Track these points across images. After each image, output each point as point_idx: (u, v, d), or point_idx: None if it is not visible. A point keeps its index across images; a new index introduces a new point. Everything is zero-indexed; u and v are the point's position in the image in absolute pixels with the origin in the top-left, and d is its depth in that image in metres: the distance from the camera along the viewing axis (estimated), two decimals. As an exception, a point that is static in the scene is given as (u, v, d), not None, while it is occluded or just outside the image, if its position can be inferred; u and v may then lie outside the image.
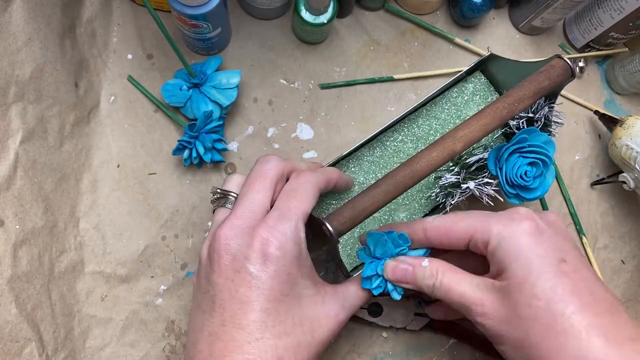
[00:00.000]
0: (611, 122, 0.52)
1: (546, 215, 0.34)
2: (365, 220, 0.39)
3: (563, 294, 0.29)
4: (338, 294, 0.36)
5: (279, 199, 0.35)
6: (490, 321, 0.32)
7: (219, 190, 0.39)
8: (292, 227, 0.33)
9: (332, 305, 0.35)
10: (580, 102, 0.56)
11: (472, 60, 0.53)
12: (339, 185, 0.40)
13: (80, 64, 0.47)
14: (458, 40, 0.54)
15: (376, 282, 0.37)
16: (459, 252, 0.37)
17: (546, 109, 0.42)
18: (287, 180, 0.37)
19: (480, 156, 0.42)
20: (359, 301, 0.37)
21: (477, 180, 0.42)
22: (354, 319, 0.48)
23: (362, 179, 0.47)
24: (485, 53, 0.48)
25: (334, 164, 0.46)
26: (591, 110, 0.56)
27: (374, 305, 0.48)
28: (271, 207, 0.35)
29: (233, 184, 0.38)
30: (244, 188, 0.35)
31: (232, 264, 0.32)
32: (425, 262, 0.36)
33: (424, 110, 0.49)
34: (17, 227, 0.39)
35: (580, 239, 0.54)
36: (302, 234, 0.34)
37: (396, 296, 0.37)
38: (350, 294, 0.37)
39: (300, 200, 0.34)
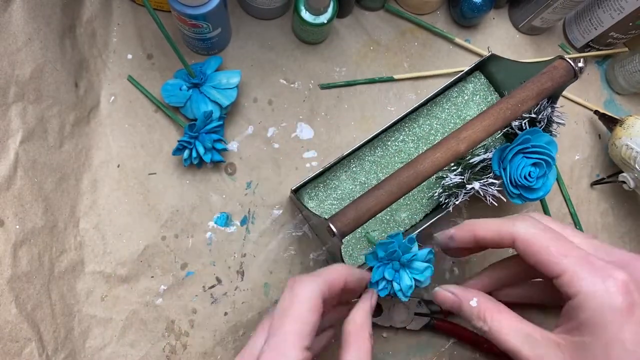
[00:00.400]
0: (611, 122, 0.52)
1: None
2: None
3: None
4: None
5: (272, 323, 0.30)
6: None
7: None
8: (289, 356, 0.28)
9: None
10: (580, 102, 0.56)
11: (472, 60, 0.53)
12: (349, 284, 0.34)
13: (80, 64, 0.47)
14: (458, 40, 0.54)
15: (382, 285, 0.37)
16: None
17: (549, 109, 0.42)
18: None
19: (484, 157, 0.42)
20: None
21: (481, 181, 0.42)
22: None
23: (363, 178, 0.47)
24: (485, 53, 0.48)
25: (335, 164, 0.46)
26: (591, 110, 0.56)
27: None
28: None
29: None
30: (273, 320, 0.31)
31: None
32: (474, 301, 0.33)
33: (425, 110, 0.49)
34: (17, 227, 0.39)
35: (580, 239, 0.54)
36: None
37: (403, 298, 0.37)
38: None
39: (295, 319, 0.29)
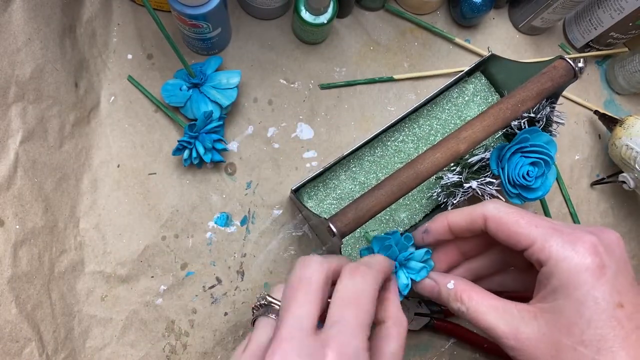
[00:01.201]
0: (611, 122, 0.52)
1: (608, 237, 0.30)
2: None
3: (612, 345, 0.27)
4: None
5: (334, 308, 0.28)
6: (523, 355, 0.29)
7: (265, 296, 0.32)
8: (357, 348, 0.26)
9: None
10: (580, 102, 0.56)
11: (472, 60, 0.53)
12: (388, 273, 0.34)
13: (80, 64, 0.47)
14: (458, 40, 0.54)
15: None
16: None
17: (548, 109, 0.42)
18: (334, 283, 0.31)
19: (482, 156, 0.42)
20: None
21: (479, 180, 0.42)
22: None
23: (363, 178, 0.47)
24: (485, 53, 0.48)
25: (335, 164, 0.46)
26: (591, 110, 0.56)
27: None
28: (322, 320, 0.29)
29: (281, 293, 0.31)
30: (285, 300, 0.29)
31: None
32: (451, 283, 0.34)
33: (425, 110, 0.49)
34: (17, 227, 0.39)
35: (580, 239, 0.54)
36: (368, 351, 0.27)
37: (399, 297, 0.36)
38: None
39: (360, 310, 0.28)
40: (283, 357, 0.26)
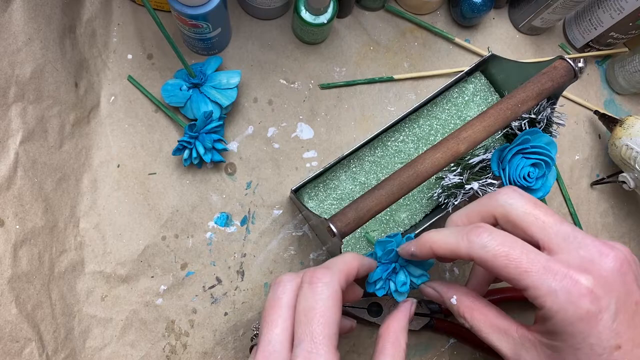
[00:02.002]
0: (611, 122, 0.52)
1: (608, 267, 0.28)
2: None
3: None
4: None
5: (297, 326, 0.28)
6: None
7: (257, 325, 0.34)
8: None
9: None
10: (580, 102, 0.56)
11: (472, 60, 0.53)
12: (360, 273, 0.33)
13: (80, 64, 0.47)
14: (458, 40, 0.54)
15: (379, 285, 0.37)
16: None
17: (548, 110, 0.42)
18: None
19: (484, 157, 0.42)
20: None
21: (480, 181, 0.42)
22: (354, 318, 0.48)
23: (363, 178, 0.47)
24: (485, 53, 0.48)
25: (335, 164, 0.46)
26: (591, 110, 0.56)
27: (374, 305, 0.48)
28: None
29: None
30: (261, 323, 0.30)
31: None
32: (454, 299, 0.33)
33: (425, 111, 0.49)
34: (17, 227, 0.39)
35: (580, 239, 0.54)
36: None
37: (399, 298, 0.37)
38: None
39: (321, 318, 0.28)
40: None
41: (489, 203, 0.32)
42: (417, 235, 0.37)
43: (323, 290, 0.29)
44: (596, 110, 0.55)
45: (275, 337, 0.28)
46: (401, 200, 0.47)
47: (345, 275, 0.31)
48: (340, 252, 0.39)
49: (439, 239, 0.32)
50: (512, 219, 0.31)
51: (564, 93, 0.55)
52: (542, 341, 0.29)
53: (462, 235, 0.30)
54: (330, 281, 0.29)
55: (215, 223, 0.48)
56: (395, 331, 0.33)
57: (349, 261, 0.32)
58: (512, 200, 0.31)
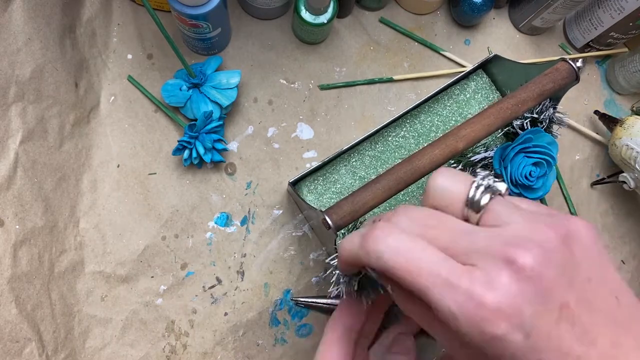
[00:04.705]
0: (611, 122, 0.52)
1: (524, 262, 0.23)
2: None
3: None
4: None
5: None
6: None
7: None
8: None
9: None
10: (586, 132, 0.56)
11: (473, 60, 0.53)
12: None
13: (80, 64, 0.47)
14: (447, 53, 0.54)
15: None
16: None
17: (551, 110, 0.43)
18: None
19: (485, 155, 0.42)
20: None
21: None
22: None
23: (363, 173, 0.47)
24: (469, 65, 0.48)
25: (335, 158, 0.46)
26: (594, 138, 0.56)
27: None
28: None
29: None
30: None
31: None
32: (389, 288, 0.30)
33: (426, 107, 0.49)
34: (17, 227, 0.39)
35: (581, 239, 0.54)
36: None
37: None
38: None
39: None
40: None
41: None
42: None
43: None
44: (596, 110, 0.54)
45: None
46: (400, 195, 0.47)
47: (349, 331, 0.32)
48: (335, 245, 0.39)
49: (345, 243, 0.27)
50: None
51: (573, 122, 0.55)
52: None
53: (359, 240, 0.26)
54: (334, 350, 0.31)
55: (215, 223, 0.48)
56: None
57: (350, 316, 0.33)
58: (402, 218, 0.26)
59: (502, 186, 0.26)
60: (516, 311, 0.22)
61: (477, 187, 0.25)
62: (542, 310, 0.23)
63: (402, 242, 0.24)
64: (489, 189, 0.25)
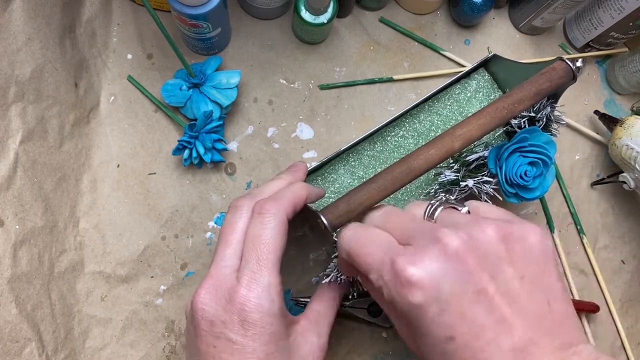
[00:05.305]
0: (611, 122, 0.52)
1: (450, 249, 0.26)
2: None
3: None
4: (311, 322, 0.36)
5: (245, 249, 0.32)
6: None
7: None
8: (264, 283, 0.31)
9: (312, 338, 0.35)
10: (585, 130, 0.56)
11: (473, 60, 0.53)
12: (309, 200, 0.37)
13: (80, 64, 0.47)
14: (447, 53, 0.54)
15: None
16: None
17: (548, 108, 0.42)
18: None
19: (481, 154, 0.42)
20: (330, 317, 0.38)
21: (476, 179, 0.42)
22: (354, 319, 0.48)
23: (361, 173, 0.47)
24: (468, 64, 0.48)
25: (334, 158, 0.46)
26: (595, 138, 0.56)
27: (374, 305, 0.48)
28: None
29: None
30: (217, 242, 0.34)
31: (211, 330, 0.31)
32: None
33: (426, 106, 0.49)
34: (17, 227, 0.39)
35: (581, 239, 0.54)
36: (277, 284, 0.31)
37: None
38: (320, 315, 0.37)
39: (266, 245, 0.32)
40: (206, 291, 0.32)
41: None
42: None
43: (270, 221, 0.32)
44: (596, 110, 0.54)
45: (227, 255, 0.33)
46: (399, 195, 0.47)
47: (292, 205, 0.34)
48: (332, 244, 0.39)
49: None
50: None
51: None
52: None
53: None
54: (277, 212, 0.33)
55: (215, 223, 0.48)
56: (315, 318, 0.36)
57: (297, 190, 0.35)
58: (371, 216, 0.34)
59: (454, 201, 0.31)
60: (433, 285, 0.25)
61: (432, 206, 0.30)
62: (459, 291, 0.25)
63: (356, 230, 0.31)
64: (440, 205, 0.30)
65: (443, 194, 0.42)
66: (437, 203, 0.30)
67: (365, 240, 0.30)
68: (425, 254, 0.26)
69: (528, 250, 0.27)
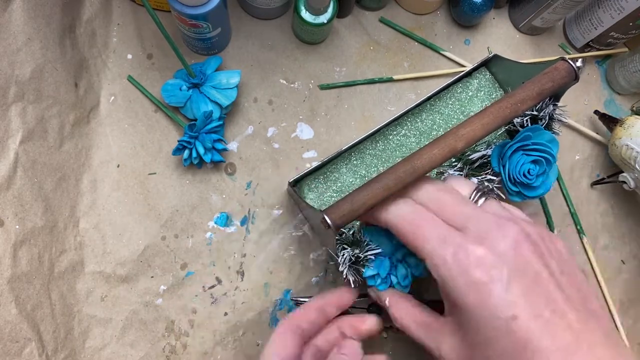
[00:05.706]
0: (611, 122, 0.52)
1: (504, 241, 0.29)
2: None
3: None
4: None
5: None
6: None
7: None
8: None
9: None
10: (586, 132, 0.56)
11: (473, 60, 0.53)
12: (328, 309, 0.39)
13: (80, 64, 0.47)
14: (447, 53, 0.54)
15: (379, 280, 0.38)
16: None
17: (551, 107, 0.42)
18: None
19: (484, 152, 0.42)
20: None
21: (479, 177, 0.42)
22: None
23: (363, 172, 0.47)
24: (468, 65, 0.48)
25: (335, 157, 0.46)
26: (596, 138, 0.56)
27: (374, 306, 0.48)
28: None
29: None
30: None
31: None
32: (387, 300, 0.37)
33: (428, 105, 0.49)
34: (17, 227, 0.39)
35: (581, 239, 0.54)
36: None
37: (404, 290, 0.38)
38: None
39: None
40: None
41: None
42: None
43: (273, 341, 0.36)
44: (596, 110, 0.54)
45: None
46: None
47: (296, 322, 0.37)
48: (334, 245, 0.39)
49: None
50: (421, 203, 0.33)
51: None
52: (454, 322, 0.30)
53: (384, 204, 0.34)
54: (280, 334, 0.36)
55: (215, 223, 0.48)
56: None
57: (305, 309, 0.38)
58: (418, 191, 0.34)
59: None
60: (499, 265, 0.27)
61: (478, 192, 0.32)
62: (520, 274, 0.27)
63: (416, 208, 0.33)
64: (485, 194, 0.32)
65: (484, 180, 0.43)
66: (483, 191, 0.33)
67: (420, 221, 0.31)
68: (490, 238, 0.28)
69: (559, 251, 0.30)
